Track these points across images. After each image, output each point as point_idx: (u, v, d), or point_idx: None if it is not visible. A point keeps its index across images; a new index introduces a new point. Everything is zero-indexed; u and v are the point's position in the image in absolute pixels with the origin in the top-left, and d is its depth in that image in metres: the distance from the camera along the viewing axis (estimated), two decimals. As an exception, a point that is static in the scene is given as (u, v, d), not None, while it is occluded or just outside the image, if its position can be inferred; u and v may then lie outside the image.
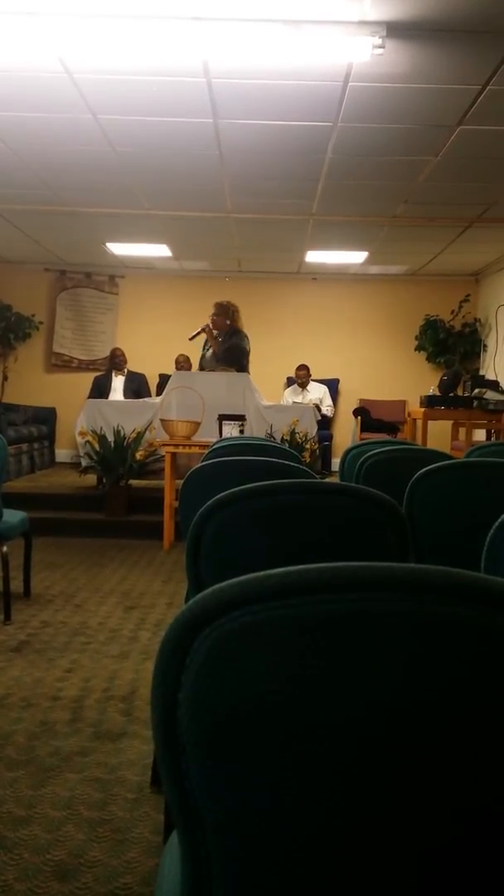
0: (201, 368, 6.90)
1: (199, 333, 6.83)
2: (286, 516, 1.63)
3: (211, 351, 6.81)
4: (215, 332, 6.76)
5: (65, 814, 2.12)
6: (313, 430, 6.40)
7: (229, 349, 6.75)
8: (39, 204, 6.65)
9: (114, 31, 3.51)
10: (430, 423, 6.50)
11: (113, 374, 8.62)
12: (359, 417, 8.46)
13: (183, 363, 8.55)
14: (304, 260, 8.64)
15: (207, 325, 6.75)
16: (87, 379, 8.94)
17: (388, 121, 4.51)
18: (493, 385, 6.69)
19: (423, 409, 6.54)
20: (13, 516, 4.01)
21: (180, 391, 6.29)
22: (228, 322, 6.78)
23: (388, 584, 0.72)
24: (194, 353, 8.39)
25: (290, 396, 8.95)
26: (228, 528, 1.58)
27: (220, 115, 4.55)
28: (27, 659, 3.35)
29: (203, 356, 6.93)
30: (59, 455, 9.38)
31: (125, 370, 8.62)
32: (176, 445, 5.74)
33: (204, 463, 2.37)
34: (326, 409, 8.94)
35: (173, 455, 5.77)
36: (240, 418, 5.83)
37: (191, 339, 6.90)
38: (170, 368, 8.30)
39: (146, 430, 6.23)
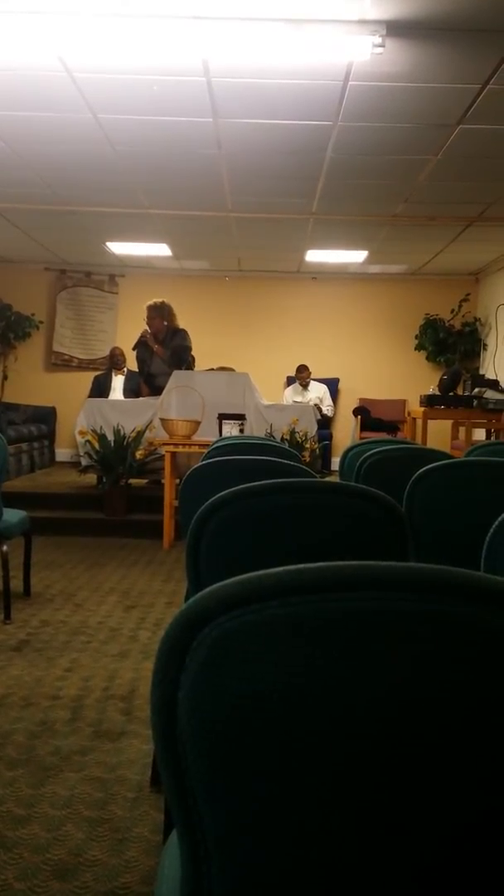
0: (152, 376, 6.88)
1: (140, 343, 6.85)
2: (286, 515, 1.63)
3: (154, 356, 6.81)
4: (157, 335, 6.78)
5: (64, 813, 2.12)
6: (313, 430, 6.40)
7: (174, 351, 6.80)
8: (39, 203, 6.65)
9: (114, 30, 3.51)
10: (429, 422, 6.50)
11: (113, 374, 8.61)
12: (359, 417, 8.47)
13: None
14: (304, 259, 8.64)
15: (146, 332, 6.77)
16: (86, 378, 8.94)
17: (388, 120, 4.51)
18: (493, 384, 6.69)
19: (422, 409, 6.54)
20: (13, 515, 4.01)
21: (180, 390, 6.29)
22: (165, 323, 6.81)
23: (387, 583, 0.72)
24: (195, 351, 8.42)
25: (290, 396, 8.95)
26: (228, 528, 1.58)
27: (220, 115, 4.54)
28: (27, 658, 3.35)
29: (146, 363, 6.88)
30: (59, 454, 9.38)
31: (125, 369, 8.62)
32: (176, 445, 5.74)
33: (204, 462, 2.37)
34: (326, 408, 8.94)
35: (173, 454, 5.78)
36: (240, 417, 5.83)
37: (134, 349, 6.93)
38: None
39: (146, 429, 6.23)
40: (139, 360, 7.00)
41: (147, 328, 6.85)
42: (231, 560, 1.58)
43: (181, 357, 6.86)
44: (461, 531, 1.95)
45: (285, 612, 0.71)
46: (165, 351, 6.82)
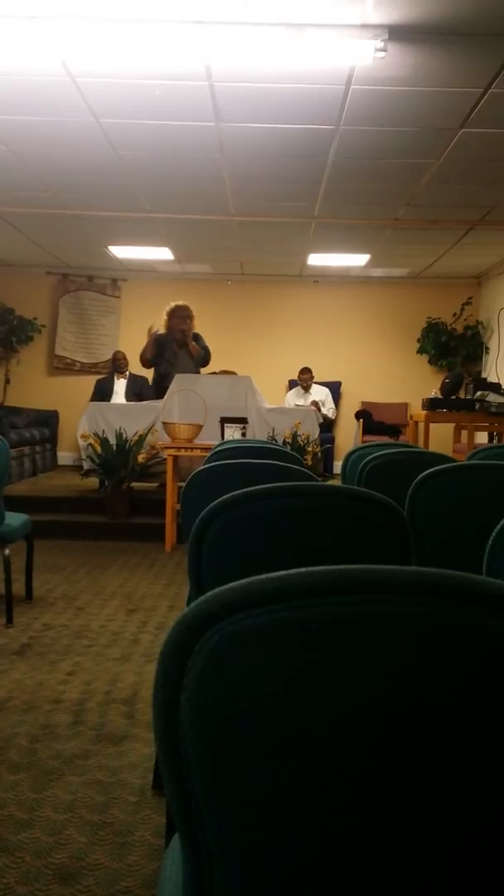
0: (166, 375, 6.81)
1: (162, 340, 6.82)
2: (288, 519, 1.63)
3: (183, 356, 6.80)
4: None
5: (66, 817, 2.12)
6: (315, 433, 6.40)
7: (205, 353, 6.82)
8: (42, 207, 6.66)
9: (116, 34, 3.52)
10: (432, 425, 6.49)
11: (115, 377, 8.62)
12: (361, 420, 8.46)
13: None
14: (307, 263, 8.65)
15: (185, 330, 6.75)
16: (89, 382, 8.95)
17: (391, 124, 4.52)
18: (496, 388, 6.67)
19: (425, 412, 6.53)
20: (15, 519, 4.01)
21: (183, 394, 6.29)
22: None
23: (389, 587, 0.72)
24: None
25: (292, 399, 8.95)
26: (230, 531, 1.58)
27: (222, 119, 4.55)
28: (29, 662, 3.35)
29: (167, 360, 6.83)
30: (61, 458, 9.38)
31: (127, 373, 8.63)
32: (178, 448, 5.74)
33: (206, 466, 2.37)
34: (328, 411, 8.94)
35: (175, 458, 5.78)
36: (242, 421, 5.83)
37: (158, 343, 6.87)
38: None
39: (148, 432, 6.23)
40: (154, 358, 6.84)
41: (182, 327, 6.78)
42: (233, 564, 1.58)
43: (208, 358, 6.91)
44: (463, 535, 1.95)
45: (287, 616, 0.71)
46: (200, 351, 6.83)
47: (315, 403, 8.33)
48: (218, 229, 7.30)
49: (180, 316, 6.77)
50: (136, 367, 8.78)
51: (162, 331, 6.86)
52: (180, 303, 6.86)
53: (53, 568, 5.10)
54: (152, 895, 1.79)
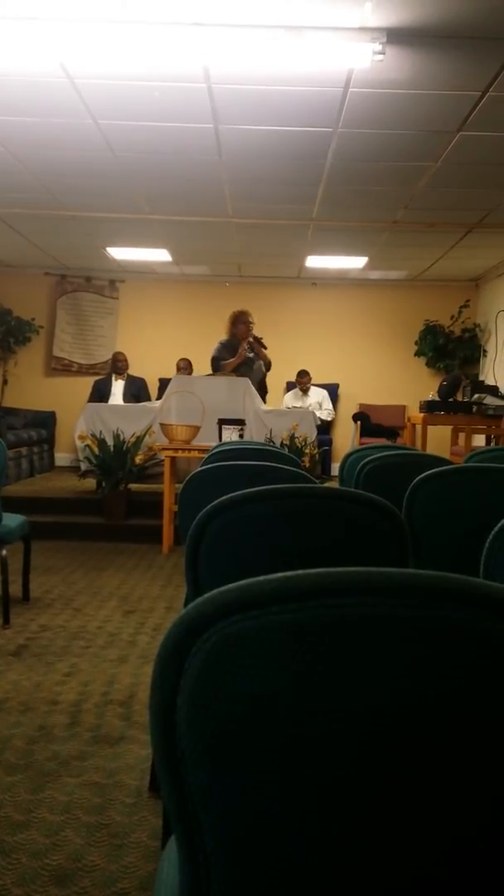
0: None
1: (233, 344, 6.77)
2: (285, 521, 1.63)
3: (257, 360, 6.78)
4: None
5: (63, 818, 2.11)
6: (313, 435, 6.40)
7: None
8: (40, 208, 6.66)
9: (115, 36, 3.52)
10: (429, 428, 6.50)
11: (113, 378, 8.62)
12: (358, 422, 8.46)
13: (184, 367, 8.57)
14: (305, 265, 8.65)
15: (259, 337, 6.75)
16: (86, 383, 8.95)
17: (389, 127, 4.52)
18: (493, 390, 6.69)
19: (422, 415, 6.53)
20: (12, 520, 4.01)
21: (180, 395, 6.29)
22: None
23: (387, 589, 0.73)
24: (196, 356, 8.43)
25: (290, 401, 8.95)
26: (227, 533, 1.58)
27: (220, 121, 4.56)
28: (26, 663, 3.35)
29: (234, 363, 6.75)
30: (59, 459, 9.38)
31: (125, 374, 8.63)
32: (175, 449, 5.74)
33: (203, 467, 2.37)
34: (326, 413, 8.94)
35: (173, 459, 5.78)
36: (239, 422, 5.83)
37: (250, 353, 6.80)
38: (170, 373, 8.32)
39: (146, 434, 6.23)
40: (219, 361, 6.80)
41: (253, 333, 6.78)
42: (230, 565, 1.58)
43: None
44: (460, 537, 1.95)
45: (284, 618, 0.71)
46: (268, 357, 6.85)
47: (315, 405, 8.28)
48: (216, 231, 7.30)
49: (248, 322, 6.78)
50: (133, 368, 8.81)
51: (225, 336, 6.84)
52: (244, 309, 6.87)
53: (50, 569, 5.10)
54: (148, 897, 1.79)
